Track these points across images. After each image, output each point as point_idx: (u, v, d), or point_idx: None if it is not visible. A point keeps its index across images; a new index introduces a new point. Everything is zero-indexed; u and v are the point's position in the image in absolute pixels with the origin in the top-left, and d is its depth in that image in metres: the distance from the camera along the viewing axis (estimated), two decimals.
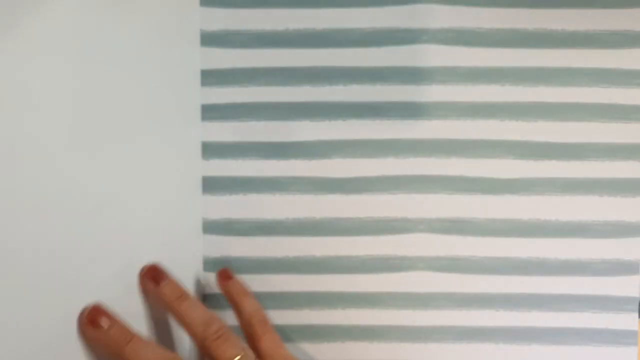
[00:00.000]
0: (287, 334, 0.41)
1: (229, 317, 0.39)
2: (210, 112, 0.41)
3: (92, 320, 0.32)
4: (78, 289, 0.33)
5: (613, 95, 0.39)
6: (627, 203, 0.39)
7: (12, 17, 0.31)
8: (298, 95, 0.40)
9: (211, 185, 0.41)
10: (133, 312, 0.36)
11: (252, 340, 0.36)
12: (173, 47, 0.40)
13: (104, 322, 0.32)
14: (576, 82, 0.39)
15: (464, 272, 0.40)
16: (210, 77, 0.40)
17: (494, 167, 0.40)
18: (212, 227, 0.41)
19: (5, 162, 0.29)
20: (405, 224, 0.41)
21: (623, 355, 0.39)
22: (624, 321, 0.39)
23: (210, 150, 0.41)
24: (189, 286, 0.40)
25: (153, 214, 0.40)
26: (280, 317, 0.41)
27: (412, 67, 0.40)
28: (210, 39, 0.40)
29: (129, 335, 0.33)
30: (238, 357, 0.33)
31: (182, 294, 0.36)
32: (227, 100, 0.41)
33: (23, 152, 0.31)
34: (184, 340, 0.39)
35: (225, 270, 0.40)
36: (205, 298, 0.41)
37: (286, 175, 0.41)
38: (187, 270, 0.41)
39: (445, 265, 0.40)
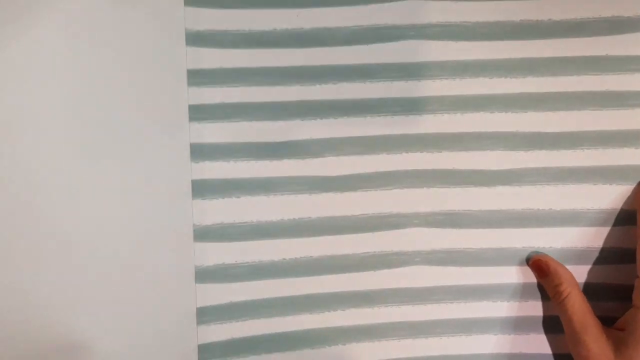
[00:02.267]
0: (287, 342, 0.40)
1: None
2: (199, 112, 0.39)
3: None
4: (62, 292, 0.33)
5: (603, 83, 0.40)
6: (621, 190, 0.40)
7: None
8: (288, 95, 0.40)
9: (201, 188, 0.39)
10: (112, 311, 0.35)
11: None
12: (157, 46, 0.38)
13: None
14: (565, 71, 0.40)
15: (461, 264, 0.40)
16: (197, 77, 0.39)
17: (485, 159, 0.40)
18: (203, 234, 0.39)
19: None
20: (400, 219, 0.40)
21: None
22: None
23: (199, 152, 0.39)
24: (178, 299, 0.39)
25: (138, 220, 0.38)
26: (279, 324, 0.40)
27: (400, 63, 0.40)
28: (196, 39, 0.39)
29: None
30: None
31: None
32: (216, 101, 0.39)
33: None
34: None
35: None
36: (198, 312, 0.39)
37: (279, 176, 0.40)
38: (177, 282, 0.39)
39: (441, 258, 0.40)
